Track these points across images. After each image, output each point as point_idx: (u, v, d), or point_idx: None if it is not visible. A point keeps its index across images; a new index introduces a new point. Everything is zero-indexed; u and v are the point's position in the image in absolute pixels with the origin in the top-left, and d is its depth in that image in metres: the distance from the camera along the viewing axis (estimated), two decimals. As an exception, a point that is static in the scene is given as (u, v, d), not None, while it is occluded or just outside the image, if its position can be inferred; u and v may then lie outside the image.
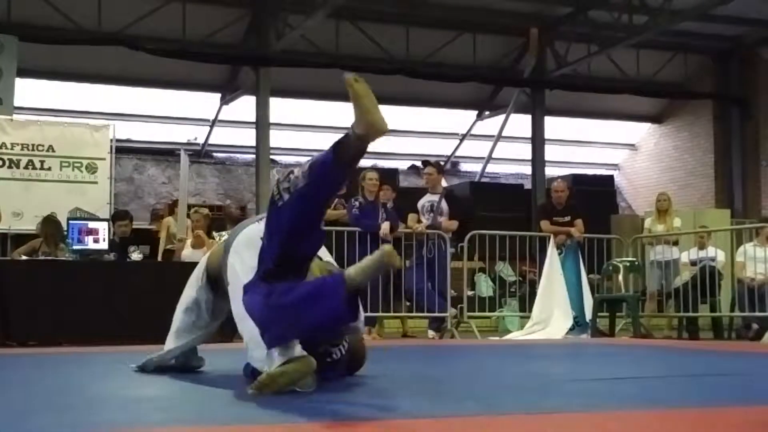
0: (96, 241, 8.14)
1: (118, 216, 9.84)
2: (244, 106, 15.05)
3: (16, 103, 12.15)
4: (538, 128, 16.04)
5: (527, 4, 14.73)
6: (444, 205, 9.39)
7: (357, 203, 9.04)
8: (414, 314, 9.55)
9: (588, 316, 9.30)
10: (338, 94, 14.83)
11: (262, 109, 14.02)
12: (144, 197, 15.91)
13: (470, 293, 10.43)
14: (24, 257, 8.13)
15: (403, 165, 17.65)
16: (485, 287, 12.02)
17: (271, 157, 14.71)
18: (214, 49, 14.16)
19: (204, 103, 15.99)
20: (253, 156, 14.61)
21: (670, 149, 18.04)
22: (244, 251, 3.52)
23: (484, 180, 18.06)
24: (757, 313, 9.26)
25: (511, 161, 18.50)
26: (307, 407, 2.87)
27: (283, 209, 3.24)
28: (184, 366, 4.11)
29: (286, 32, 13.53)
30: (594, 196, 15.47)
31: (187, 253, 8.64)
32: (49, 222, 8.69)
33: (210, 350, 4.36)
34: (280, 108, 15.09)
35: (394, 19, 14.93)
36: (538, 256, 9.90)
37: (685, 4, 13.30)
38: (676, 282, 10.00)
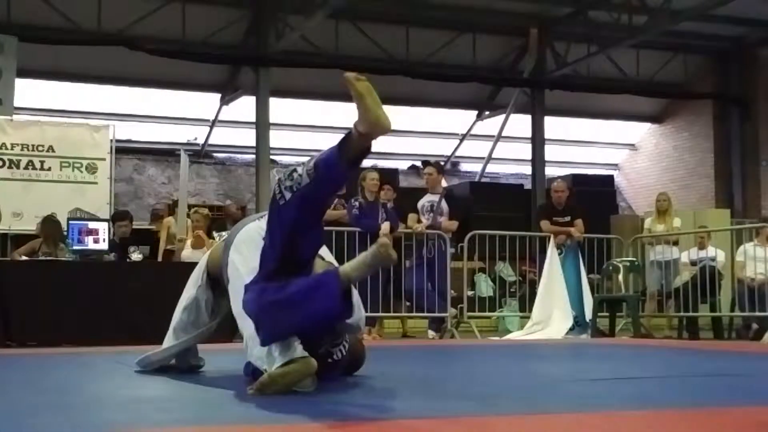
0: (96, 241, 8.14)
1: (118, 216, 9.85)
2: (244, 107, 15.05)
3: (16, 103, 12.14)
4: (538, 128, 16.04)
5: (527, 4, 14.74)
6: (444, 205, 9.39)
7: (357, 203, 9.04)
8: (414, 314, 9.55)
9: (588, 316, 9.29)
10: (338, 94, 14.89)
11: (262, 109, 14.03)
12: (144, 197, 15.92)
13: (470, 293, 10.44)
14: (24, 257, 8.13)
15: (403, 165, 17.65)
16: (485, 287, 12.02)
17: (271, 157, 14.72)
18: (213, 49, 14.16)
19: (204, 103, 15.99)
20: (253, 156, 14.62)
21: (670, 149, 18.04)
22: (245, 249, 3.52)
23: (484, 180, 18.06)
24: (757, 313, 9.27)
25: (511, 161, 18.49)
26: (307, 407, 2.87)
27: (285, 208, 3.24)
28: (184, 366, 4.11)
29: (285, 32, 13.53)
30: (594, 196, 15.45)
31: (187, 254, 8.64)
32: (49, 222, 8.69)
33: (210, 350, 4.36)
34: (280, 108, 15.10)
35: (394, 19, 14.93)
36: (538, 256, 9.90)
37: (685, 4, 13.29)
38: (676, 282, 10.00)
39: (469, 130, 17.76)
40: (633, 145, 19.10)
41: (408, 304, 9.57)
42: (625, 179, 19.25)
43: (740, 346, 7.98)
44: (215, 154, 17.16)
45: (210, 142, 16.75)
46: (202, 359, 4.20)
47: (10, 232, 10.88)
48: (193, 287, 3.95)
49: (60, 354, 6.03)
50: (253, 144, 14.32)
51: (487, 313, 10.98)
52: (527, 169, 16.84)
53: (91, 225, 8.36)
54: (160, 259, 9.48)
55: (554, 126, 16.81)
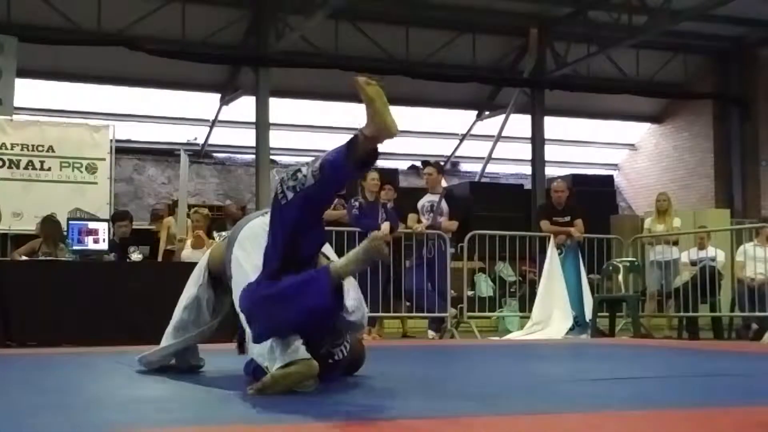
0: (96, 241, 8.13)
1: (117, 216, 9.84)
2: (244, 107, 15.05)
3: (16, 103, 12.14)
4: (537, 128, 16.04)
5: (527, 4, 14.74)
6: (444, 205, 9.39)
7: (357, 203, 9.03)
8: (414, 314, 9.54)
9: (588, 316, 9.29)
10: (338, 95, 14.92)
11: (261, 110, 14.03)
12: (144, 197, 15.91)
13: (470, 293, 10.44)
14: (24, 257, 8.13)
15: (403, 165, 17.64)
16: (485, 287, 12.01)
17: (271, 157, 14.72)
18: (213, 49, 14.17)
19: (204, 103, 15.99)
20: (253, 156, 14.62)
21: (670, 149, 18.04)
22: (249, 245, 3.52)
23: (484, 180, 18.05)
24: (757, 313, 9.27)
25: (510, 161, 18.49)
26: (307, 407, 2.87)
27: (287, 208, 3.24)
28: (184, 366, 4.10)
29: (285, 33, 13.53)
30: (594, 196, 15.45)
31: (187, 254, 8.63)
32: (49, 222, 8.68)
33: (210, 350, 4.36)
34: (280, 108, 15.10)
35: (394, 19, 14.93)
36: (538, 256, 9.89)
37: (685, 4, 13.29)
38: (676, 282, 10.00)
39: (469, 130, 17.76)
40: (633, 145, 19.10)
41: (408, 304, 9.56)
42: (625, 179, 19.25)
43: (740, 346, 7.98)
44: (215, 154, 17.16)
45: (210, 142, 16.75)
46: (202, 359, 4.20)
47: (10, 232, 10.88)
48: (194, 286, 3.95)
49: (60, 354, 6.03)
50: (253, 144, 14.32)
51: (487, 313, 10.97)
52: (527, 169, 16.84)
53: (91, 225, 8.35)
54: (160, 259, 9.48)
55: (554, 126, 16.81)
